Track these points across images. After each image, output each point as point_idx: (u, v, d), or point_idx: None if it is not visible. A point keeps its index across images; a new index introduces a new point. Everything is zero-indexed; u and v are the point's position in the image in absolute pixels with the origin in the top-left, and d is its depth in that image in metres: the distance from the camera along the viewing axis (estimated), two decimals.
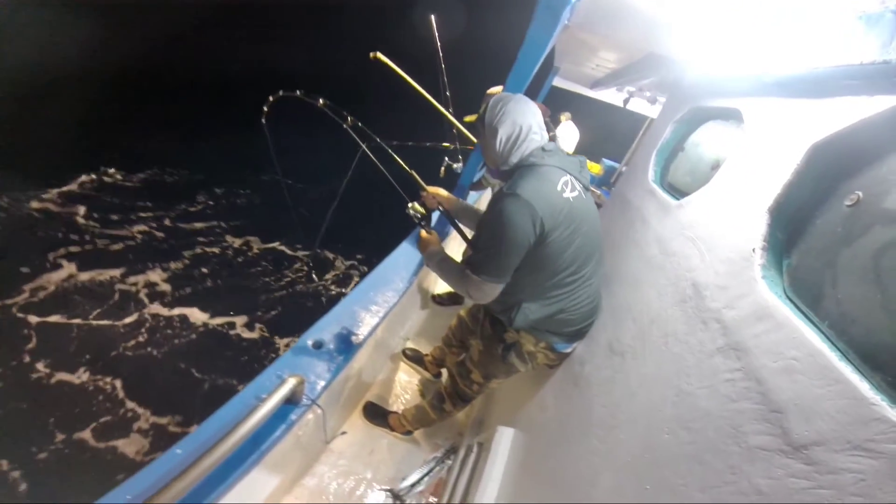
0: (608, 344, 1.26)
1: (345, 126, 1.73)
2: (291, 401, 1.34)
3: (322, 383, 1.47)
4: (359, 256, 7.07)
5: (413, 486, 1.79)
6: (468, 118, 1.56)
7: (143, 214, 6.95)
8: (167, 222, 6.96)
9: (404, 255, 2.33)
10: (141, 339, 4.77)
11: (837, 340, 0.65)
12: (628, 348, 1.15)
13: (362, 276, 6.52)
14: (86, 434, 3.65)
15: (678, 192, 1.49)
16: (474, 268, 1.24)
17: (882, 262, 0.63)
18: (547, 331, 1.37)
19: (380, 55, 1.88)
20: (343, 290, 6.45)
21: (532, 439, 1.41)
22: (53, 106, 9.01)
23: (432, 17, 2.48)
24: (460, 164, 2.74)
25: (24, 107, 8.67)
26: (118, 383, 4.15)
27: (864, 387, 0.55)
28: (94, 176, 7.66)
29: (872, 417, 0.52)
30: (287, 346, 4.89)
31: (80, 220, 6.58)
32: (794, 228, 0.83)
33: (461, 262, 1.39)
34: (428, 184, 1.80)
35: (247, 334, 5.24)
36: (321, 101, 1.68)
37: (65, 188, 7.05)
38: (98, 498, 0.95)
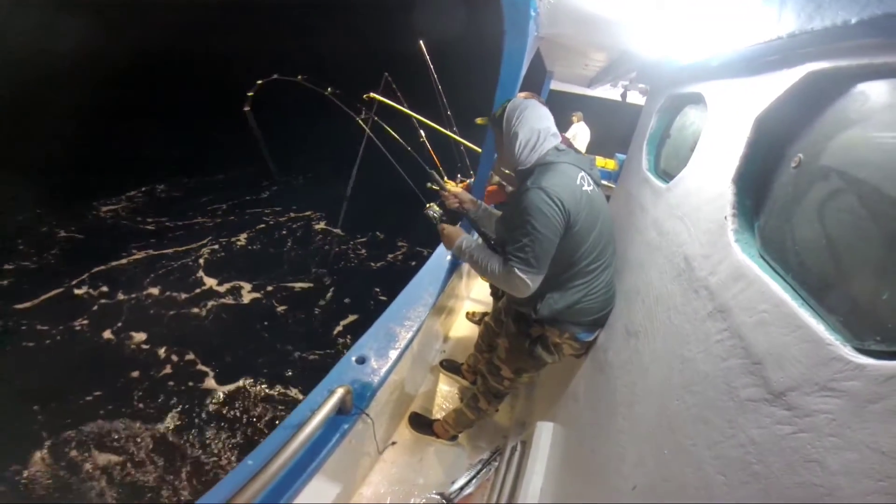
0: (624, 327, 1.32)
1: (326, 93, 1.92)
2: (342, 411, 1.46)
3: (368, 394, 1.60)
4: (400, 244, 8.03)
5: (462, 488, 1.87)
6: (479, 120, 1.69)
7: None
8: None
9: (429, 273, 2.47)
10: (205, 312, 5.51)
11: (799, 289, 0.70)
12: (641, 328, 1.21)
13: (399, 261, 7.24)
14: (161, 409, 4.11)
15: (670, 177, 1.54)
16: (514, 262, 1.28)
17: (824, 212, 0.70)
18: (569, 321, 1.43)
19: (374, 95, 2.05)
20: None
21: (570, 430, 1.47)
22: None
23: (421, 42, 2.62)
24: (471, 180, 2.88)
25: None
26: (191, 357, 4.76)
27: (820, 328, 0.59)
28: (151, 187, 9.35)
29: (831, 357, 0.56)
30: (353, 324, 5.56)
31: (144, 219, 7.95)
32: (758, 193, 0.90)
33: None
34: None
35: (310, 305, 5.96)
36: (299, 77, 1.90)
37: (122, 198, 8.67)
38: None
